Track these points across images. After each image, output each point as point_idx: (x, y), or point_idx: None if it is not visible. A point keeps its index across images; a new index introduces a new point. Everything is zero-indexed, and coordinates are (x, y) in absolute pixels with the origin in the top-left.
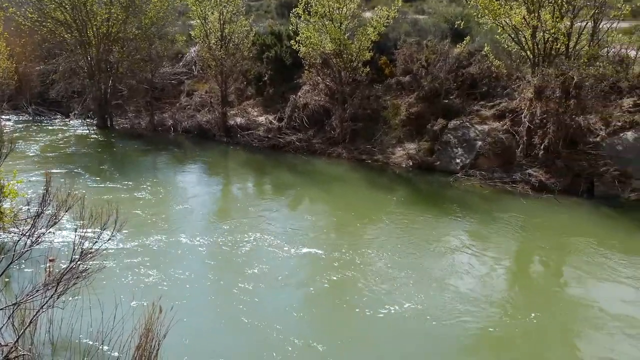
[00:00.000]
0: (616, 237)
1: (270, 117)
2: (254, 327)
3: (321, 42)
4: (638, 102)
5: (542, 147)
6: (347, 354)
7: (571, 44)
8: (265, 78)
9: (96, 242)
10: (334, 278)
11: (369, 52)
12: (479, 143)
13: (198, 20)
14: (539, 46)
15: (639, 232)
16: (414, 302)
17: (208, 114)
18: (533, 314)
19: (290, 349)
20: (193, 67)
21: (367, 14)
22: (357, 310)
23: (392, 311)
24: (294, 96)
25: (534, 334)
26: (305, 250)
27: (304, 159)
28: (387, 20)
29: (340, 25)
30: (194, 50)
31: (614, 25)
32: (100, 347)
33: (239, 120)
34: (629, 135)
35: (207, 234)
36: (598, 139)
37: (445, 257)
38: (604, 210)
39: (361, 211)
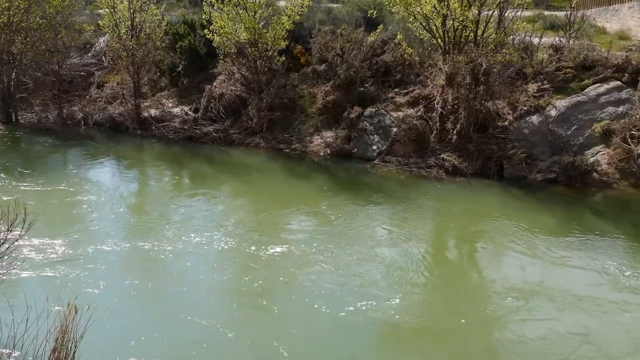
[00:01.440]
0: (524, 217)
1: (186, 108)
2: (174, 325)
3: (235, 31)
4: (542, 87)
5: (454, 132)
6: (260, 344)
7: (479, 32)
8: (180, 68)
9: (3, 243)
10: (255, 271)
11: (285, 41)
12: (395, 130)
13: (106, 9)
14: (449, 34)
15: (545, 211)
16: (330, 287)
17: (120, 106)
18: (447, 295)
19: (208, 346)
20: (103, 58)
21: (282, 3)
22: (276, 306)
23: (307, 300)
24: (209, 86)
25: (448, 315)
26: (225, 245)
27: (222, 150)
28: (301, 9)
29: (255, 14)
30: (104, 41)
31: (518, 13)
32: (12, 352)
33: (153, 112)
34: (534, 119)
35: (124, 232)
36: (506, 123)
37: (364, 242)
38: (513, 191)
39: (280, 201)
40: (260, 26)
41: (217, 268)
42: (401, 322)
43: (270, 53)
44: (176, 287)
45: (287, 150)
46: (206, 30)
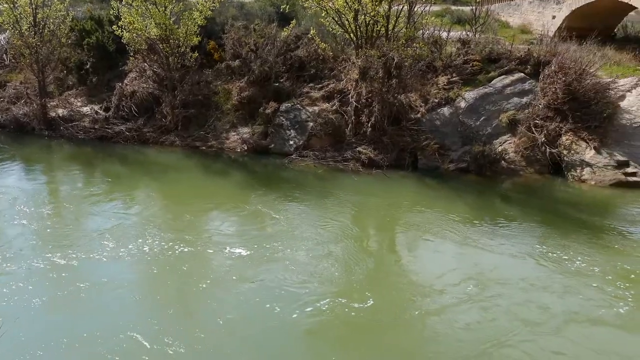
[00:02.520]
0: (439, 205)
1: (96, 107)
2: (89, 337)
3: (146, 27)
4: (451, 79)
5: (369, 125)
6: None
7: (390, 27)
8: (88, 66)
9: None
10: (170, 273)
11: (197, 36)
12: (311, 124)
13: (5, 5)
14: (362, 29)
15: (458, 199)
16: (252, 280)
17: (25, 106)
18: (375, 284)
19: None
20: (4, 56)
21: None
22: (189, 307)
23: (227, 298)
24: (120, 84)
25: (381, 305)
26: (145, 250)
27: (136, 149)
28: (213, 4)
29: (165, 10)
30: (4, 38)
31: (427, 8)
32: None
33: (61, 111)
34: (445, 110)
35: (35, 241)
36: (419, 115)
37: (287, 239)
38: (427, 181)
39: (199, 200)
40: (171, 22)
41: (137, 276)
42: (331, 319)
43: (182, 49)
44: (93, 297)
45: (204, 148)
46: (115, 27)
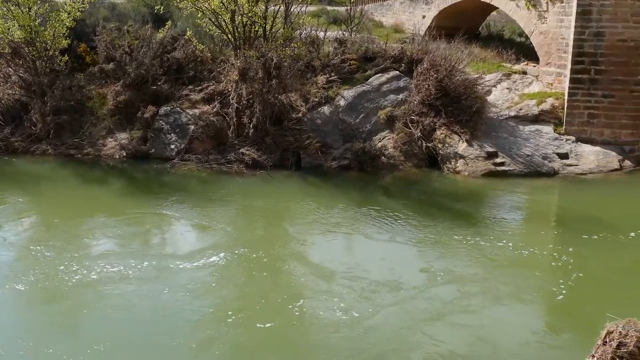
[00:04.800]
0: (323, 203)
1: None
2: None
3: (8, 29)
4: (330, 79)
5: (251, 126)
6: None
7: (268, 27)
8: None
9: None
10: (28, 292)
11: (66, 39)
12: (192, 127)
13: None
14: (239, 29)
15: (341, 196)
16: (124, 297)
17: None
18: (263, 283)
19: None
20: None
21: None
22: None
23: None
24: None
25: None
26: (16, 268)
27: (3, 160)
28: (82, 5)
29: (29, 11)
30: None
31: (304, 9)
32: None
33: None
34: (325, 109)
35: None
36: (300, 114)
37: (153, 241)
38: (311, 179)
39: (76, 210)
40: (36, 24)
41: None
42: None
43: (50, 53)
44: None
45: (79, 156)
46: None
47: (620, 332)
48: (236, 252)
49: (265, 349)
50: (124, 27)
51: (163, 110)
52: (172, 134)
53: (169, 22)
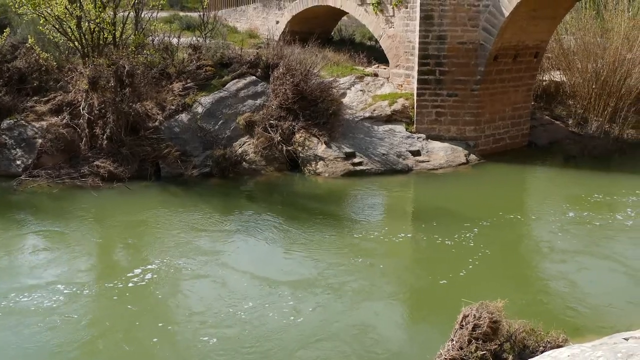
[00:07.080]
0: (185, 212)
1: None
2: None
3: None
4: (186, 85)
5: (105, 137)
6: None
7: (118, 34)
8: None
9: None
10: None
11: None
12: (40, 141)
13: None
14: (87, 36)
15: (204, 204)
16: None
17: None
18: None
19: None
20: None
21: None
22: None
23: None
24: None
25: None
26: None
27: None
28: None
29: None
30: None
31: (155, 14)
32: None
33: None
34: (183, 117)
35: None
36: (157, 123)
37: (14, 271)
38: (172, 189)
39: None
40: None
41: None
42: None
43: None
44: None
45: None
46: None
47: (474, 315)
48: (86, 274)
49: None
50: None
51: (5, 123)
52: (18, 149)
53: (8, 29)
